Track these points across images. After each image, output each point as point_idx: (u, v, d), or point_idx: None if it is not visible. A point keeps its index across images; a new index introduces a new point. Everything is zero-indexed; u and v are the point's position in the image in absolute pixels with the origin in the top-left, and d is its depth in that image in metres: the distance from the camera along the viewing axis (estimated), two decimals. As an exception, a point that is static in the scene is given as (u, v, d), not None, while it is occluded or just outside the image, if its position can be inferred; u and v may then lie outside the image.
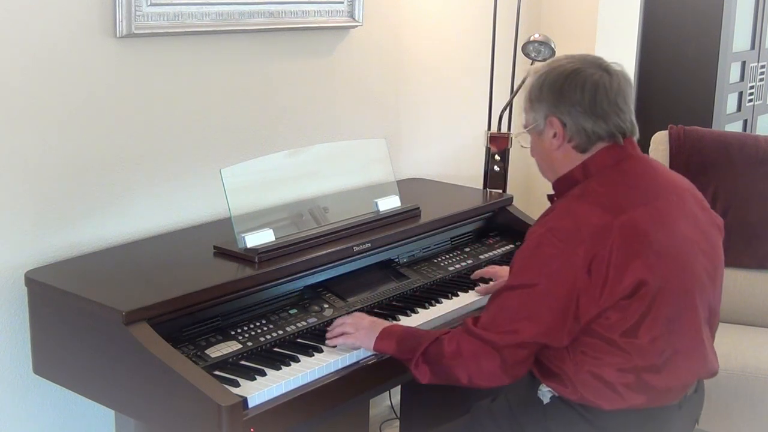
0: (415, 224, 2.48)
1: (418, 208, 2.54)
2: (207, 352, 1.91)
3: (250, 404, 1.77)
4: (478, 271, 2.45)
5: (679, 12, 4.55)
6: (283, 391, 1.84)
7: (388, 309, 2.25)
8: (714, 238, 1.93)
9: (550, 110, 1.87)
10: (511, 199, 2.85)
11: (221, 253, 2.17)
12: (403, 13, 3.00)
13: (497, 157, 2.96)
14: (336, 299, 2.20)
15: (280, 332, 2.04)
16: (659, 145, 3.15)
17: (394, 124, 3.07)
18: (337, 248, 2.25)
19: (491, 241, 2.71)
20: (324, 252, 2.22)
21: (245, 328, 2.02)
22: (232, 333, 1.99)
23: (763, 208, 3.03)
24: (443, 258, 2.54)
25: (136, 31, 2.20)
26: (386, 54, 2.97)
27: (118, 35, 2.19)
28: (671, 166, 3.00)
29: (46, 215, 2.16)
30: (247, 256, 2.12)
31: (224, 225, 2.22)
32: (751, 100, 4.98)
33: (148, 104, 2.31)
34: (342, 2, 2.70)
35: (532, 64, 2.92)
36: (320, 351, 1.99)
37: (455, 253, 2.59)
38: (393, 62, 3.01)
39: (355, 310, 2.19)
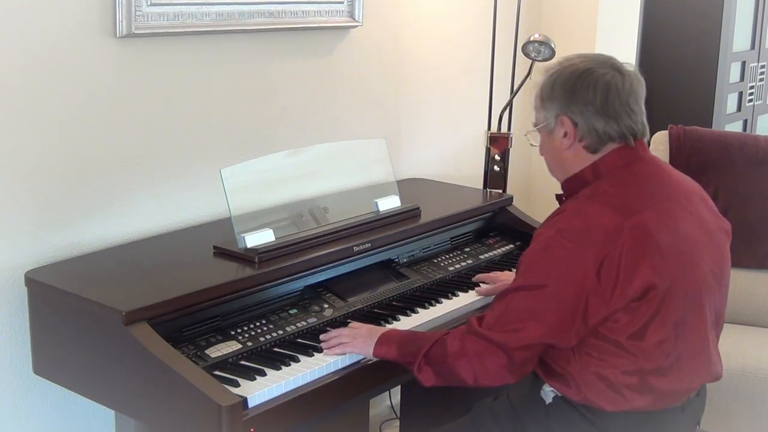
0: (415, 224, 2.48)
1: (418, 208, 2.54)
2: (207, 352, 1.91)
3: (250, 404, 1.77)
4: (481, 275, 2.45)
5: (679, 12, 4.55)
6: (283, 391, 1.84)
7: (388, 309, 2.25)
8: (721, 241, 1.92)
9: (561, 109, 1.86)
10: (511, 199, 2.85)
11: (221, 253, 2.17)
12: (403, 13, 3.00)
13: (497, 157, 2.96)
14: (336, 299, 2.20)
15: (280, 332, 2.04)
16: (659, 145, 3.15)
17: (394, 124, 3.07)
18: (337, 248, 2.24)
19: (491, 241, 2.71)
20: (324, 252, 2.22)
21: (245, 328, 2.02)
22: (232, 333, 1.99)
23: (763, 208, 3.03)
24: (443, 258, 2.54)
25: (136, 31, 2.20)
26: (386, 54, 2.97)
27: (118, 35, 2.19)
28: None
29: (46, 215, 2.16)
30: (247, 256, 2.12)
31: (224, 225, 2.22)
32: (751, 100, 4.99)
33: (148, 104, 2.31)
34: (342, 2, 2.70)
35: (532, 64, 2.92)
36: (320, 351, 1.99)
37: (455, 253, 2.59)
38: (393, 62, 3.01)
39: (355, 310, 2.19)
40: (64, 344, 2.01)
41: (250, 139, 2.58)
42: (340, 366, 1.96)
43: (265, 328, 2.04)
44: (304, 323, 2.09)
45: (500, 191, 2.94)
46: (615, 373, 1.80)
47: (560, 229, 1.78)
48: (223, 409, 1.68)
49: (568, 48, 3.34)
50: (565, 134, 1.87)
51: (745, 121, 5.02)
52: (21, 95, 2.06)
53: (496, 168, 2.97)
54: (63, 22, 2.10)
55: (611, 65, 1.87)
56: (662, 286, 1.76)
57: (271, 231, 2.18)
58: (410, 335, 1.98)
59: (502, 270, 2.52)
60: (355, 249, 2.28)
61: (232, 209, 2.12)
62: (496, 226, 2.79)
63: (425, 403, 2.71)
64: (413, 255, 2.50)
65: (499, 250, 2.66)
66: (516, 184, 3.51)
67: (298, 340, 2.05)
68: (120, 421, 2.17)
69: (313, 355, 1.97)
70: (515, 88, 3.03)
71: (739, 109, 4.91)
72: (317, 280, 2.23)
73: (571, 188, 1.91)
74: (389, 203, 2.49)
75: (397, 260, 2.44)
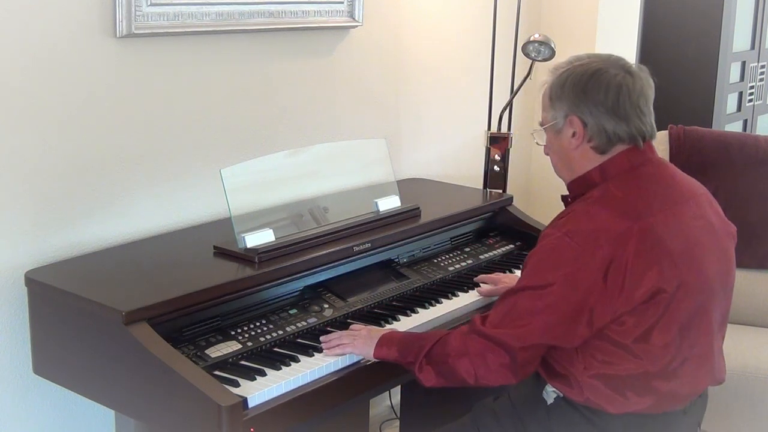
0: (415, 224, 2.48)
1: (418, 208, 2.54)
2: (207, 352, 1.91)
3: (250, 404, 1.77)
4: (483, 276, 2.45)
5: (679, 12, 4.55)
6: (283, 391, 1.84)
7: (388, 309, 2.25)
8: (727, 245, 1.92)
9: (571, 109, 1.85)
10: (511, 199, 2.85)
11: (221, 253, 2.17)
12: (403, 13, 3.00)
13: (497, 157, 2.96)
14: (336, 299, 2.20)
15: (280, 332, 2.04)
16: (659, 145, 3.15)
17: (394, 124, 3.07)
18: (337, 248, 2.24)
19: (491, 241, 2.71)
20: (324, 252, 2.22)
21: (245, 328, 2.02)
22: (232, 333, 1.99)
23: (763, 208, 3.03)
24: (443, 258, 2.54)
25: (136, 31, 2.20)
26: (386, 54, 2.97)
27: (118, 35, 2.19)
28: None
29: (46, 215, 2.16)
30: (247, 256, 2.12)
31: (224, 225, 2.22)
32: (751, 100, 4.99)
33: (148, 104, 2.31)
34: (342, 2, 2.70)
35: (532, 64, 2.92)
36: (320, 351, 1.99)
37: (455, 253, 2.59)
38: (393, 62, 3.01)
39: (355, 311, 2.19)
40: (64, 344, 2.01)
41: (250, 139, 2.58)
42: (340, 366, 1.96)
43: (265, 328, 2.04)
44: (304, 323, 2.09)
45: (500, 191, 2.94)
46: (619, 376, 1.79)
47: (568, 231, 1.77)
48: (223, 409, 1.68)
49: (568, 48, 3.34)
50: (574, 134, 1.86)
51: (745, 121, 5.02)
52: (21, 95, 2.06)
53: (496, 168, 2.97)
54: (63, 22, 2.10)
55: (622, 66, 1.86)
56: (670, 289, 1.75)
57: (271, 231, 2.18)
58: (411, 336, 1.98)
59: (502, 270, 2.53)
60: (355, 249, 2.28)
61: (232, 209, 2.12)
62: (496, 226, 2.79)
63: (425, 403, 2.71)
64: (413, 255, 2.50)
65: (499, 250, 2.66)
66: (516, 184, 3.51)
67: (298, 340, 2.05)
68: (120, 421, 2.17)
69: (313, 355, 1.97)
70: (515, 88, 3.03)
71: (739, 109, 4.91)
72: (317, 280, 2.23)
73: (578, 190, 1.90)
74: (389, 203, 2.49)
75: (397, 260, 2.44)
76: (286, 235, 2.21)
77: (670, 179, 1.89)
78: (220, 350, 1.92)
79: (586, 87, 1.83)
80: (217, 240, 2.21)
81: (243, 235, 2.13)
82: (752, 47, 4.94)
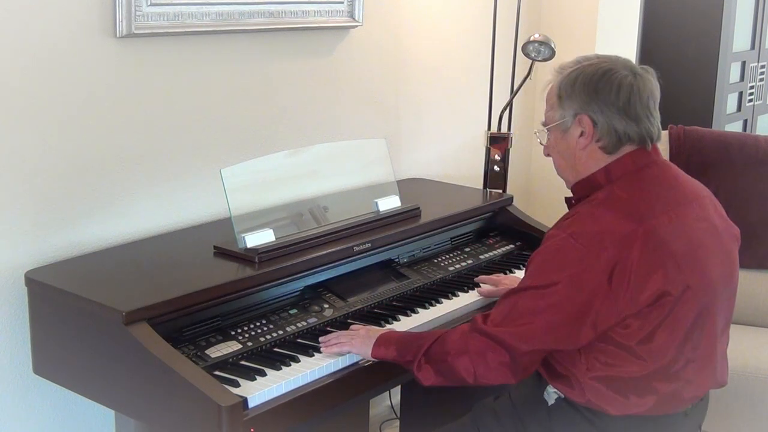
0: (415, 224, 2.48)
1: (418, 208, 2.54)
2: (207, 352, 1.91)
3: (250, 404, 1.77)
4: (484, 276, 2.44)
5: (679, 12, 4.55)
6: (283, 392, 1.84)
7: (388, 309, 2.25)
8: (731, 247, 1.91)
9: (581, 107, 1.84)
10: (511, 199, 2.85)
11: (221, 253, 2.17)
12: (403, 13, 3.00)
13: (497, 157, 2.96)
14: (336, 299, 2.20)
15: (280, 332, 2.04)
16: (659, 144, 3.14)
17: (394, 124, 3.07)
18: (337, 248, 2.24)
19: (491, 241, 2.71)
20: (324, 252, 2.22)
21: (245, 328, 2.02)
22: (232, 333, 1.99)
23: (763, 208, 3.03)
24: (443, 258, 2.54)
25: (136, 31, 2.20)
26: (386, 54, 2.97)
27: (118, 35, 2.19)
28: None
29: (46, 215, 2.16)
30: (247, 256, 2.12)
31: (224, 225, 2.22)
32: (751, 100, 4.99)
33: (148, 104, 2.31)
34: (342, 2, 2.70)
35: (532, 64, 2.92)
36: (320, 351, 1.99)
37: (455, 253, 2.59)
38: (393, 62, 3.01)
39: (355, 311, 2.19)
40: (64, 344, 2.01)
41: (250, 139, 2.58)
42: (340, 366, 1.96)
43: (265, 328, 2.04)
44: (304, 323, 2.09)
45: (500, 191, 2.94)
46: (621, 377, 1.79)
47: (573, 232, 1.77)
48: (223, 409, 1.68)
49: (568, 48, 3.35)
50: (582, 134, 1.85)
51: (745, 121, 5.02)
52: (21, 95, 2.06)
53: (496, 168, 2.96)
54: (63, 22, 2.10)
55: (630, 67, 1.85)
56: (675, 292, 1.75)
57: (271, 231, 2.18)
58: (409, 335, 1.98)
59: (502, 270, 2.53)
60: (355, 249, 2.28)
61: (232, 209, 2.12)
62: (496, 226, 2.79)
63: (425, 403, 2.71)
64: (413, 255, 2.50)
65: (499, 250, 2.66)
66: (516, 184, 3.51)
67: (299, 340, 2.05)
68: (120, 421, 2.17)
69: (313, 355, 1.97)
70: (515, 88, 3.03)
71: (739, 109, 4.91)
72: (317, 280, 2.23)
73: (582, 192, 1.89)
74: (389, 203, 2.49)
75: (397, 260, 2.44)
76: (286, 235, 2.21)
77: (674, 181, 1.89)
78: (220, 350, 1.92)
79: (598, 86, 1.82)
80: (217, 240, 2.21)
81: (243, 235, 2.13)
82: (752, 47, 4.94)
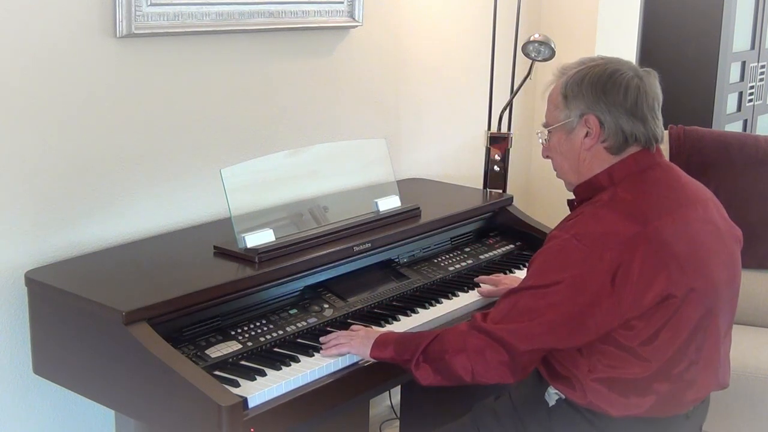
0: (415, 224, 2.48)
1: (418, 208, 2.54)
2: (207, 352, 1.91)
3: (250, 404, 1.77)
4: (484, 276, 2.44)
5: (679, 12, 4.55)
6: (283, 391, 1.84)
7: (388, 309, 2.25)
8: (733, 249, 1.91)
9: (589, 108, 1.83)
10: (511, 199, 2.85)
11: (221, 253, 2.17)
12: (403, 13, 3.00)
13: (497, 157, 2.96)
14: (336, 299, 2.20)
15: (280, 332, 2.04)
16: (661, 144, 3.14)
17: (394, 124, 3.07)
18: (337, 248, 2.24)
19: (491, 241, 2.71)
20: (324, 252, 2.22)
21: (245, 328, 2.02)
22: (232, 333, 1.99)
23: (763, 208, 3.03)
24: (443, 258, 2.54)
25: (136, 31, 2.20)
26: (386, 54, 2.97)
27: (118, 35, 2.19)
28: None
29: (46, 215, 2.16)
30: (247, 256, 2.12)
31: (224, 225, 2.22)
32: (751, 100, 4.99)
33: (148, 104, 2.31)
34: (342, 2, 2.70)
35: (532, 64, 2.92)
36: (320, 351, 1.99)
37: (455, 253, 2.59)
38: (393, 62, 3.01)
39: (355, 310, 2.19)
40: (64, 344, 2.01)
41: (250, 139, 2.58)
42: (340, 366, 1.96)
43: (265, 328, 2.04)
44: (304, 323, 2.09)
45: (500, 191, 2.94)
46: (623, 379, 1.78)
47: (576, 233, 1.76)
48: (223, 409, 1.68)
49: (568, 48, 3.35)
50: (587, 134, 1.85)
51: (745, 121, 5.02)
52: (21, 95, 2.06)
53: (496, 168, 2.96)
54: (63, 22, 2.10)
55: (634, 69, 1.85)
56: (679, 295, 1.75)
57: (271, 231, 2.18)
58: (408, 335, 1.97)
59: (502, 270, 2.52)
60: (355, 249, 2.28)
61: (232, 209, 2.12)
62: (496, 226, 2.79)
63: (425, 403, 2.71)
64: (413, 255, 2.50)
65: (499, 250, 2.66)
66: (516, 184, 3.51)
67: (298, 340, 2.04)
68: (120, 421, 2.17)
69: (313, 355, 1.97)
70: (515, 88, 3.03)
71: (739, 109, 4.91)
72: (317, 280, 2.23)
73: (584, 194, 1.89)
74: (389, 203, 2.49)
75: (397, 260, 2.44)
76: (286, 235, 2.21)
77: (677, 183, 1.88)
78: (220, 350, 1.92)
79: (606, 86, 1.82)
80: (217, 240, 2.21)
81: (243, 235, 2.13)
82: (752, 47, 4.94)
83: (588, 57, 1.92)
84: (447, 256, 2.55)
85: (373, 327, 2.11)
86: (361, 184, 2.52)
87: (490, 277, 2.43)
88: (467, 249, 2.63)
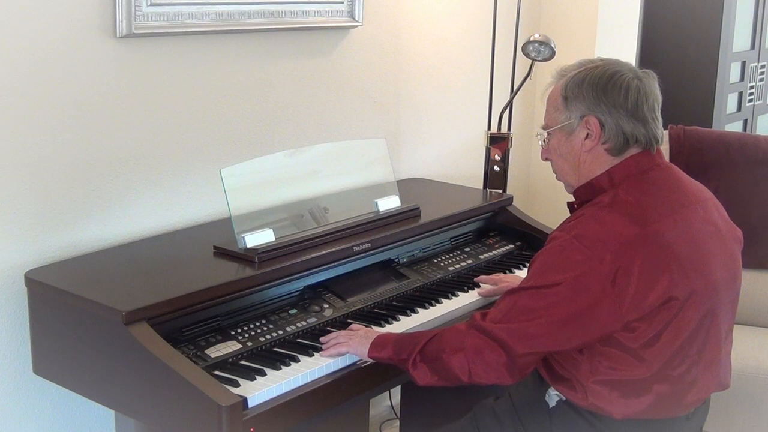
0: (415, 224, 2.48)
1: (418, 208, 2.54)
2: (207, 352, 1.91)
3: (250, 404, 1.77)
4: (484, 276, 2.44)
5: (679, 12, 4.55)
6: (283, 391, 1.84)
7: (388, 309, 2.25)
8: (734, 250, 1.91)
9: (589, 109, 1.83)
10: (511, 199, 2.85)
11: (221, 253, 2.17)
12: (403, 13, 3.00)
13: (497, 157, 2.96)
14: (336, 299, 2.20)
15: (280, 332, 2.04)
16: (661, 145, 3.14)
17: (394, 124, 3.07)
18: (337, 248, 2.24)
19: (491, 241, 2.71)
20: (324, 252, 2.22)
21: (245, 328, 2.02)
22: (232, 333, 1.99)
23: (764, 208, 3.03)
24: (443, 258, 2.54)
25: (136, 31, 2.20)
26: (386, 54, 2.97)
27: (118, 35, 2.19)
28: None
29: (46, 215, 2.16)
30: (247, 256, 2.12)
31: (224, 225, 2.22)
32: (751, 100, 4.99)
33: (148, 104, 2.31)
34: (342, 2, 2.70)
35: (532, 64, 2.92)
36: (320, 351, 1.99)
37: (455, 253, 2.59)
38: (393, 62, 3.01)
39: (355, 310, 2.19)
40: (64, 344, 2.01)
41: (250, 139, 2.58)
42: (340, 366, 1.96)
43: (265, 328, 2.04)
44: (304, 323, 2.09)
45: (500, 191, 2.94)
46: (624, 380, 1.78)
47: (577, 234, 1.76)
48: (223, 409, 1.68)
49: (568, 48, 3.35)
50: (587, 135, 1.84)
51: (745, 121, 5.02)
52: (21, 95, 2.06)
53: (496, 168, 2.96)
54: (63, 22, 2.10)
55: (634, 71, 1.85)
56: (681, 297, 1.74)
57: (271, 231, 2.18)
58: (405, 335, 1.97)
59: (502, 270, 2.52)
60: (355, 249, 2.28)
61: (232, 209, 2.12)
62: (496, 226, 2.79)
63: (425, 403, 2.71)
64: (413, 255, 2.50)
65: (499, 250, 2.66)
66: (516, 184, 3.51)
67: (298, 340, 2.05)
68: (120, 421, 2.17)
69: (313, 355, 1.97)
70: (515, 88, 3.03)
71: (739, 109, 4.91)
72: (317, 280, 2.23)
73: (585, 195, 1.89)
74: (389, 203, 2.49)
75: (397, 260, 2.44)
76: (286, 235, 2.21)
77: (678, 184, 1.88)
78: (220, 350, 1.92)
79: (606, 88, 1.82)
80: (217, 240, 2.21)
81: (243, 235, 2.13)
82: (752, 47, 4.94)
83: (587, 59, 1.92)
84: (447, 256, 2.55)
85: (373, 327, 2.11)
86: (361, 184, 2.52)
87: (491, 276, 2.43)
88: (467, 249, 2.63)
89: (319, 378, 1.91)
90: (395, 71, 3.03)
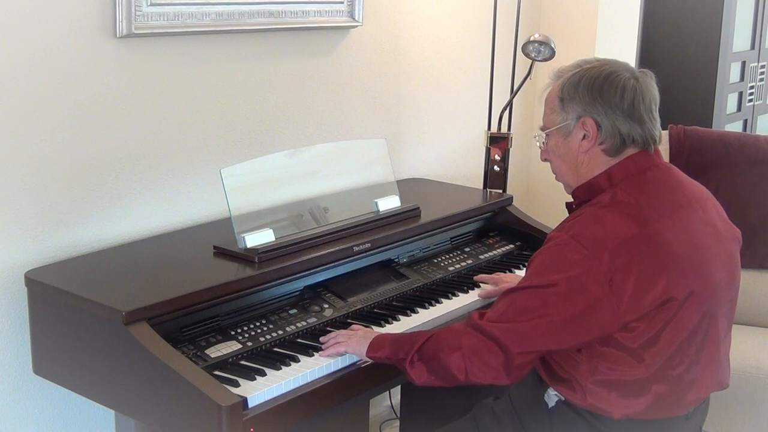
0: (415, 224, 2.48)
1: (418, 208, 2.54)
2: (207, 352, 1.91)
3: (250, 404, 1.77)
4: (483, 276, 2.44)
5: (679, 12, 4.55)
6: (283, 391, 1.84)
7: (388, 309, 2.25)
8: (733, 250, 1.91)
9: (585, 110, 1.83)
10: (511, 199, 2.85)
11: (221, 253, 2.17)
12: (403, 13, 3.00)
13: (497, 157, 2.96)
14: (336, 299, 2.20)
15: (280, 332, 2.04)
16: (659, 145, 3.14)
17: (394, 124, 3.07)
18: (337, 248, 2.24)
19: (491, 241, 2.71)
20: (324, 252, 2.22)
21: (245, 328, 2.02)
22: (232, 333, 1.99)
23: (764, 208, 3.03)
24: (443, 258, 2.54)
25: (136, 31, 2.20)
26: (386, 54, 2.97)
27: (118, 35, 2.19)
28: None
29: (46, 215, 2.16)
30: (247, 256, 2.12)
31: (224, 225, 2.22)
32: (751, 100, 4.99)
33: (148, 104, 2.31)
34: (342, 2, 2.70)
35: (532, 64, 2.92)
36: (320, 351, 1.99)
37: (455, 253, 2.59)
38: (393, 62, 3.01)
39: (355, 310, 2.19)
40: (64, 344, 2.01)
41: (250, 139, 2.58)
42: (340, 366, 1.96)
43: (265, 328, 2.04)
44: (304, 323, 2.09)
45: (500, 191, 2.94)
46: (623, 380, 1.78)
47: (575, 234, 1.76)
48: (223, 409, 1.68)
49: (568, 48, 3.35)
50: (584, 136, 1.84)
51: (745, 121, 5.02)
52: (21, 95, 2.06)
53: (496, 168, 2.97)
54: (63, 22, 2.10)
55: (631, 71, 1.85)
56: (680, 297, 1.74)
57: (271, 231, 2.18)
58: (403, 335, 1.97)
59: (502, 270, 2.52)
60: (355, 249, 2.28)
61: (232, 209, 2.12)
62: (496, 226, 2.79)
63: (425, 403, 2.71)
64: (413, 255, 2.50)
65: (499, 250, 2.66)
66: (516, 184, 3.51)
67: (298, 340, 2.05)
68: (120, 421, 2.17)
69: (313, 355, 1.97)
70: (515, 88, 3.03)
71: (739, 109, 4.91)
72: (317, 280, 2.23)
73: (583, 196, 1.89)
74: (389, 203, 2.49)
75: (397, 260, 2.44)
76: (286, 235, 2.21)
77: (676, 183, 1.88)
78: (220, 350, 1.92)
79: (602, 88, 1.82)
80: (217, 240, 2.21)
81: (243, 235, 2.13)
82: (752, 47, 4.94)
83: (584, 59, 1.92)
84: (447, 256, 2.55)
85: (373, 327, 2.11)
86: (361, 184, 2.52)
87: (491, 276, 2.43)
88: (467, 249, 2.63)
89: (319, 378, 1.91)
90: (395, 71, 3.03)
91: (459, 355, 1.80)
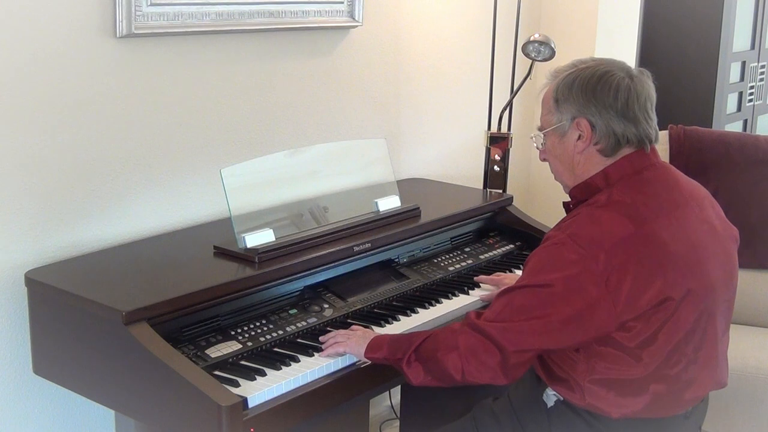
0: (415, 224, 2.48)
1: (418, 208, 2.54)
2: (207, 352, 1.91)
3: (250, 404, 1.77)
4: (483, 276, 2.44)
5: (679, 12, 4.55)
6: (283, 391, 1.84)
7: (388, 309, 2.25)
8: (730, 249, 1.91)
9: (579, 111, 1.83)
10: (511, 199, 2.85)
11: (221, 253, 2.17)
12: (403, 13, 3.00)
13: (497, 157, 2.96)
14: (336, 299, 2.20)
15: (280, 332, 2.04)
16: (659, 145, 3.13)
17: (394, 124, 3.07)
18: (337, 248, 2.24)
19: (491, 241, 2.71)
20: (324, 252, 2.22)
21: (245, 328, 2.02)
22: (232, 333, 1.99)
23: (763, 208, 3.03)
24: (443, 258, 2.54)
25: (136, 31, 2.20)
26: (386, 54, 2.97)
27: (118, 35, 2.19)
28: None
29: (46, 215, 2.16)
30: (247, 256, 2.12)
31: (224, 225, 2.22)
32: (751, 100, 4.99)
33: (148, 104, 2.31)
34: (342, 2, 2.70)
35: (532, 64, 2.92)
36: (320, 351, 1.99)
37: (455, 253, 2.59)
38: (393, 62, 3.01)
39: (355, 310, 2.19)
40: (64, 344, 2.01)
41: (250, 139, 2.58)
42: (339, 366, 1.96)
43: (265, 328, 2.04)
44: (304, 323, 2.09)
45: (500, 191, 2.94)
46: (621, 380, 1.78)
47: (572, 233, 1.76)
48: (223, 409, 1.68)
49: (568, 48, 3.35)
50: (580, 137, 1.84)
51: (745, 121, 5.02)
52: (21, 95, 2.06)
53: (496, 168, 2.97)
54: (63, 22, 2.10)
55: (626, 70, 1.85)
56: (677, 297, 1.74)
57: (271, 231, 2.18)
58: (402, 335, 1.96)
59: (502, 270, 2.52)
60: (355, 249, 2.28)
61: (232, 209, 2.12)
62: (496, 226, 2.79)
63: (425, 403, 2.71)
64: (413, 255, 2.50)
65: (499, 250, 2.66)
66: (516, 184, 3.51)
67: (298, 340, 2.05)
68: (120, 421, 2.17)
69: (313, 355, 1.97)
70: (515, 88, 3.03)
71: (739, 109, 4.91)
72: (317, 280, 2.23)
73: (580, 195, 1.89)
74: (389, 203, 2.49)
75: (397, 260, 2.44)
76: (286, 235, 2.21)
77: (674, 183, 1.88)
78: (220, 350, 1.92)
79: (596, 89, 1.82)
80: (217, 240, 2.21)
81: (243, 235, 2.13)
82: (752, 47, 4.94)
83: (579, 59, 1.92)
84: (447, 256, 2.55)
85: (373, 327, 2.11)
86: (361, 184, 2.52)
87: (490, 276, 2.43)
88: (467, 249, 2.63)
89: (319, 378, 1.91)
90: (395, 71, 3.03)
91: (456, 354, 1.80)
